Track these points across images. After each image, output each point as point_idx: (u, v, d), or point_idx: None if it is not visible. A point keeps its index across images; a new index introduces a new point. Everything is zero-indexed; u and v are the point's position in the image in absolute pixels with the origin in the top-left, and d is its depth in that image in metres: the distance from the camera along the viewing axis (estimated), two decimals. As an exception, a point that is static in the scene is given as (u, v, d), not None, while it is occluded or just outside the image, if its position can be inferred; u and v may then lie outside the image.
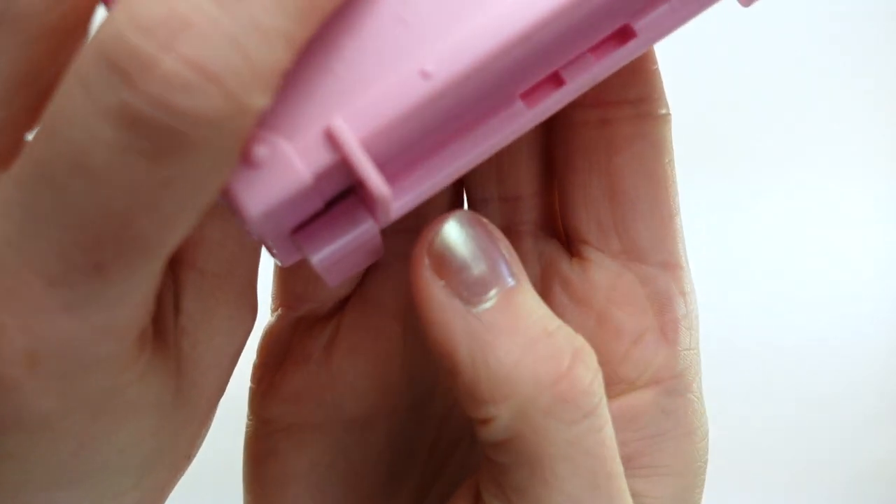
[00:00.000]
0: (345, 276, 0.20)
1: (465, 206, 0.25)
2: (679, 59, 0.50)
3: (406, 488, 0.25)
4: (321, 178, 0.16)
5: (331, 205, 0.18)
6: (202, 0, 0.14)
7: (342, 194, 0.18)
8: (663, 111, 0.22)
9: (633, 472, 0.21)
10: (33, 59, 0.16)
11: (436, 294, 0.19)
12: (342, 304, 0.25)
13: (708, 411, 0.23)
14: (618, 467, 0.20)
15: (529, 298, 0.19)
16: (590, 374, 0.19)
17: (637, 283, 0.22)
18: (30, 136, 0.17)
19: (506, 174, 0.24)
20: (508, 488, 0.19)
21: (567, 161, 0.23)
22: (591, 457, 0.19)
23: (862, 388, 0.53)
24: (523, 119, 0.18)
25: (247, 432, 0.25)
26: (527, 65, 0.18)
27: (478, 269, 0.19)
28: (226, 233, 0.20)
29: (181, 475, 0.23)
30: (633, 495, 0.21)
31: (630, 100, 0.22)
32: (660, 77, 0.22)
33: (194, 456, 0.23)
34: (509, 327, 0.19)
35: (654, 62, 0.22)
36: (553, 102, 0.19)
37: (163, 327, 0.19)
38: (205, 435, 0.23)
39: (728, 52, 0.54)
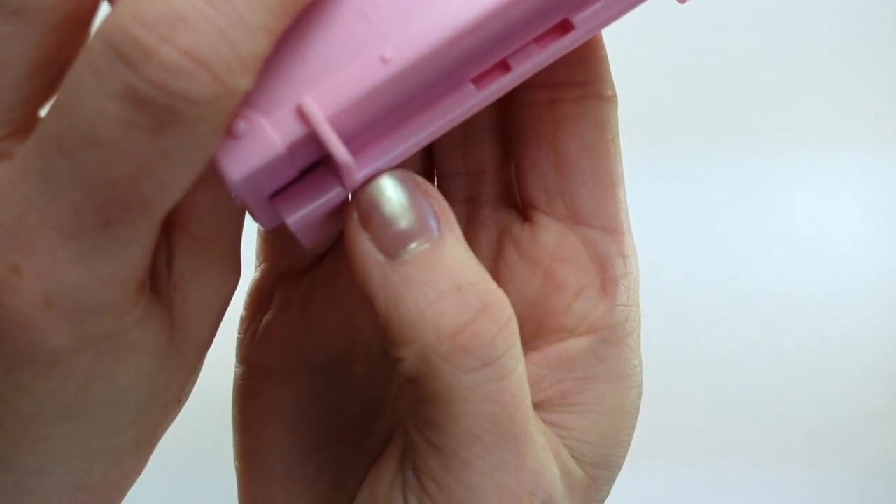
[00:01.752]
0: (320, 240, 0.23)
1: (435, 179, 0.28)
2: (665, 35, 0.50)
3: (375, 430, 0.28)
4: (293, 148, 0.19)
5: (305, 174, 0.21)
6: None
7: (315, 165, 0.21)
8: (608, 93, 0.25)
9: (566, 408, 0.24)
10: (49, 45, 0.18)
11: (360, 246, 0.21)
12: (318, 261, 0.27)
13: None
14: (523, 413, 0.22)
15: (451, 253, 0.21)
16: (494, 328, 0.21)
17: (580, 244, 0.25)
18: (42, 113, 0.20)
19: (471, 151, 0.26)
20: (420, 419, 0.22)
21: (521, 137, 0.25)
22: (490, 402, 0.21)
23: (861, 385, 0.53)
24: (474, 100, 0.21)
25: (234, 378, 0.27)
26: (477, 53, 0.21)
27: (400, 224, 0.21)
28: (214, 201, 0.23)
29: (172, 420, 0.25)
30: (564, 429, 0.24)
31: (577, 82, 0.25)
32: (606, 62, 0.25)
33: (184, 402, 0.26)
34: (421, 280, 0.21)
35: (602, 49, 0.25)
36: (501, 86, 0.21)
37: (158, 282, 0.22)
38: (193, 383, 0.26)
39: (709, 27, 0.54)
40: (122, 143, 0.17)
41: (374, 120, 0.20)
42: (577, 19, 0.21)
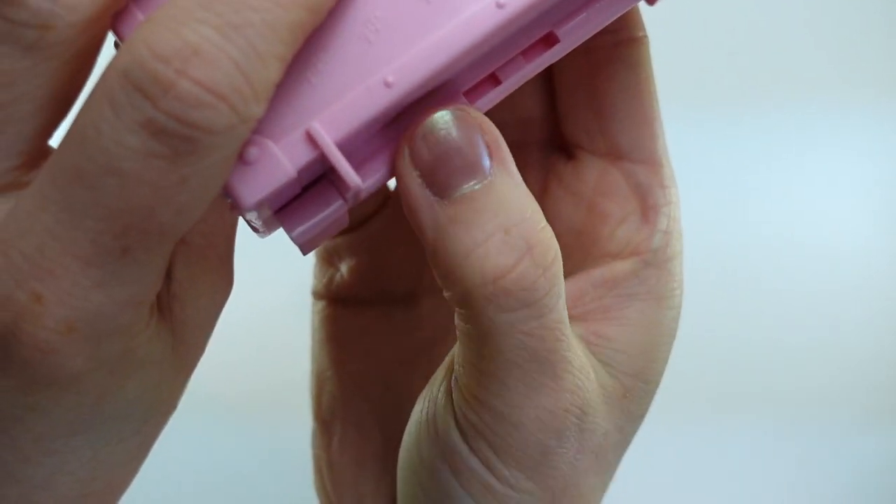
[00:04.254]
0: (316, 247, 0.23)
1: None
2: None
3: (437, 359, 0.29)
4: (302, 171, 0.19)
5: (306, 188, 0.21)
6: (208, 31, 0.17)
7: (315, 180, 0.21)
8: (640, 34, 0.26)
9: (607, 320, 0.26)
10: (61, 79, 0.19)
11: (410, 184, 0.21)
12: (375, 212, 0.30)
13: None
14: (560, 343, 0.23)
15: (501, 193, 0.21)
16: (538, 271, 0.21)
17: (621, 177, 0.26)
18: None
19: (518, 100, 0.27)
20: (465, 338, 0.23)
21: (562, 84, 0.27)
22: (529, 336, 0.22)
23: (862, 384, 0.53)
24: None
25: (312, 311, 0.31)
26: (469, 69, 0.22)
27: (450, 164, 0.21)
28: (207, 210, 0.23)
29: (165, 424, 0.26)
30: (603, 338, 0.25)
31: (609, 28, 0.25)
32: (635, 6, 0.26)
33: (177, 406, 0.26)
34: (468, 222, 0.21)
35: None
36: (491, 98, 0.22)
37: (160, 294, 0.22)
38: (185, 389, 0.26)
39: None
40: (142, 173, 0.17)
41: (374, 135, 0.21)
42: (562, 32, 0.22)
